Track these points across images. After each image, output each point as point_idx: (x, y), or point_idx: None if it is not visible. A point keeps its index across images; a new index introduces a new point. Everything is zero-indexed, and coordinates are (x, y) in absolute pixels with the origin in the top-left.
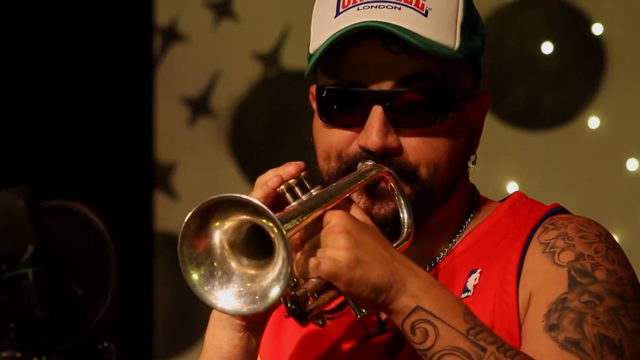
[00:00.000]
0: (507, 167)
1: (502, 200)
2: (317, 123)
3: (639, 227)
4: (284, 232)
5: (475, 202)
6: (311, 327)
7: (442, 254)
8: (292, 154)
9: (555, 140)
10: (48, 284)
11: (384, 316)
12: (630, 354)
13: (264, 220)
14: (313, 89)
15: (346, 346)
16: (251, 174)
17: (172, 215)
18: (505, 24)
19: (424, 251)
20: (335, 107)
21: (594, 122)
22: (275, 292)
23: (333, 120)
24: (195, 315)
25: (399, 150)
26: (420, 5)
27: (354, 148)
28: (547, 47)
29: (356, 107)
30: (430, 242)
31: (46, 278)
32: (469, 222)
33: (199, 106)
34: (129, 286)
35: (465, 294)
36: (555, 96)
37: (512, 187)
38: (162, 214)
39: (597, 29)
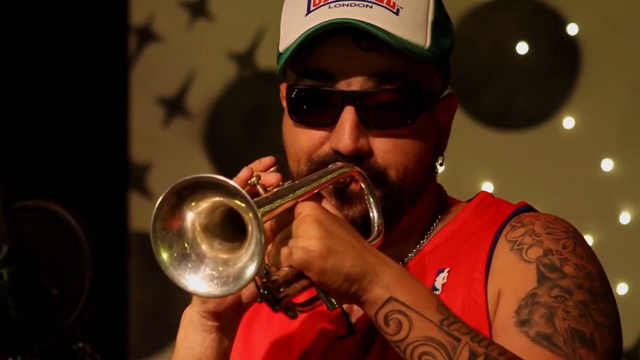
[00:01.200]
0: (482, 168)
1: (469, 201)
2: (287, 123)
3: (613, 228)
4: (257, 212)
5: (442, 202)
6: (280, 329)
7: (410, 255)
8: (268, 154)
9: (530, 141)
10: (23, 284)
11: (353, 318)
12: (601, 347)
13: (238, 202)
14: (283, 87)
15: (315, 348)
16: (226, 174)
17: (147, 215)
18: (479, 24)
19: (393, 253)
20: (305, 107)
21: (568, 122)
22: (249, 271)
23: (303, 120)
24: (171, 315)
25: (370, 152)
26: (391, 4)
27: (325, 149)
28: (522, 48)
29: (327, 107)
30: (399, 245)
31: (21, 278)
32: (436, 223)
33: (174, 106)
34: (104, 286)
35: (435, 293)
36: (530, 96)
37: (487, 187)
38: (137, 214)
39: (572, 29)
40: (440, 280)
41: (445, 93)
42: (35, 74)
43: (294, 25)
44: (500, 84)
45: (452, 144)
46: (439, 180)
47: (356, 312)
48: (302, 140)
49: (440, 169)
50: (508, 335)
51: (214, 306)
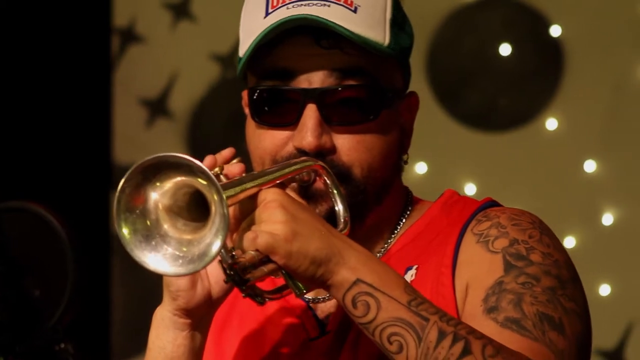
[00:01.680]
0: (464, 169)
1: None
2: (250, 127)
3: (596, 229)
4: (220, 187)
5: (408, 202)
6: (252, 332)
7: (378, 254)
8: (250, 156)
9: (513, 142)
10: (5, 285)
11: (325, 319)
12: (570, 332)
13: (201, 180)
14: (245, 94)
15: (287, 350)
16: None
17: None
18: (463, 25)
19: None
20: (267, 107)
21: (551, 123)
22: (215, 247)
23: (266, 121)
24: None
25: (333, 149)
26: (349, 3)
27: (288, 149)
28: (505, 49)
29: (289, 106)
30: (366, 244)
31: (3, 279)
32: (403, 222)
33: (157, 107)
34: (87, 287)
35: None
36: (513, 98)
37: (469, 188)
38: None
39: (556, 30)
40: (408, 277)
41: (407, 92)
42: (18, 75)
43: (252, 28)
44: (483, 85)
45: (435, 145)
46: (421, 180)
47: (327, 313)
48: (265, 141)
49: (423, 170)
50: (477, 323)
51: (184, 303)
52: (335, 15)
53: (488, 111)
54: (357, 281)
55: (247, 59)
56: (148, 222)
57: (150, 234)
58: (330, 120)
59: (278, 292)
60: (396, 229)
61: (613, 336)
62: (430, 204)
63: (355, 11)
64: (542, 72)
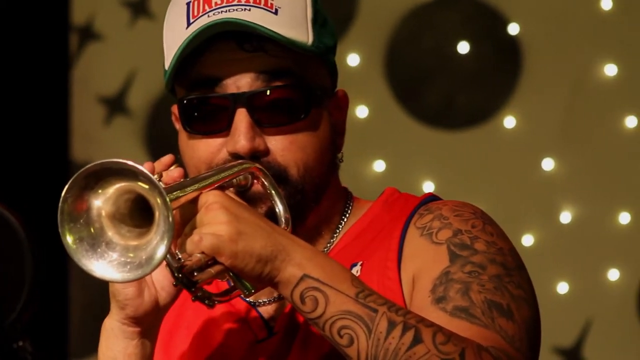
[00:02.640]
0: (422, 167)
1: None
2: (183, 139)
3: (554, 227)
4: (162, 189)
5: (348, 201)
6: (201, 337)
7: None
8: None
9: (471, 140)
10: None
11: (272, 321)
12: (519, 317)
13: (142, 184)
14: (175, 109)
15: (235, 353)
16: None
17: None
18: (421, 24)
19: None
20: (198, 116)
21: (509, 121)
22: (161, 250)
23: (198, 130)
24: None
25: (267, 152)
26: (269, 5)
27: (222, 155)
28: (463, 47)
29: (220, 113)
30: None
31: None
32: (345, 222)
33: (115, 105)
34: (45, 285)
35: None
36: (472, 96)
37: (427, 186)
38: None
39: (513, 29)
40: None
41: (336, 90)
42: None
43: (175, 40)
44: (441, 83)
45: (393, 143)
46: (379, 178)
47: (274, 315)
48: (199, 151)
49: (381, 168)
50: (426, 314)
51: (133, 311)
52: (257, 18)
53: (446, 109)
54: (304, 277)
55: (172, 71)
56: (92, 230)
57: (96, 242)
58: (261, 123)
59: (226, 294)
60: (338, 228)
61: (571, 334)
62: (370, 202)
63: (276, 13)
64: (500, 70)
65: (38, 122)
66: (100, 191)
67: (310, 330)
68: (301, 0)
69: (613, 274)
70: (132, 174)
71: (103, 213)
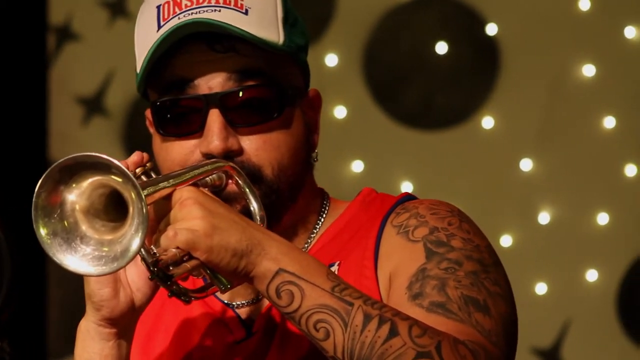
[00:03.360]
0: (401, 167)
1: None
2: (156, 143)
3: (532, 227)
4: (136, 182)
5: (325, 202)
6: (179, 339)
7: None
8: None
9: (449, 140)
10: None
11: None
12: (496, 313)
13: (117, 179)
14: (148, 113)
15: (214, 354)
16: None
17: None
18: (399, 24)
19: None
20: (171, 118)
21: (488, 122)
22: (136, 243)
23: (171, 132)
24: None
25: (241, 151)
26: (239, 5)
27: (196, 156)
28: (441, 47)
29: (192, 114)
30: None
31: None
32: (322, 223)
33: (93, 105)
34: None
35: None
36: (450, 96)
37: (406, 187)
38: None
39: (491, 29)
40: None
41: (308, 90)
42: None
43: (146, 43)
44: (419, 83)
45: (371, 143)
46: (358, 179)
47: (252, 315)
48: (173, 153)
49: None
50: (403, 310)
51: (108, 312)
52: (227, 18)
53: (425, 109)
54: (280, 271)
55: (144, 75)
56: (66, 225)
57: (70, 236)
58: (234, 123)
59: (203, 290)
60: (315, 228)
61: (549, 335)
62: (347, 203)
63: (246, 13)
64: (478, 71)
65: (16, 122)
66: (74, 185)
67: (288, 330)
68: (271, 1)
69: (592, 275)
70: (106, 168)
71: (77, 207)
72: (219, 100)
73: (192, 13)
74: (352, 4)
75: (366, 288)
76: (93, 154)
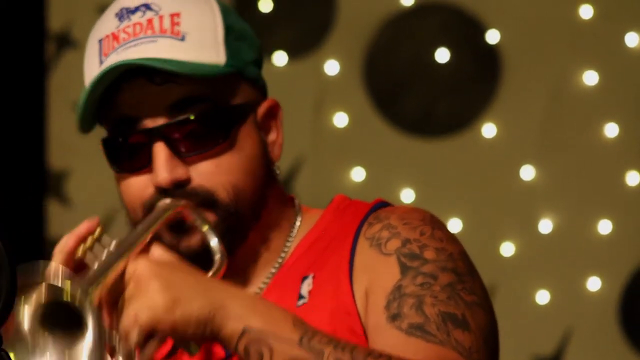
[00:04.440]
0: (402, 175)
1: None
2: (116, 178)
3: (533, 236)
4: (85, 296)
5: (297, 212)
6: None
7: (273, 270)
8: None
9: (450, 148)
10: None
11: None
12: (475, 326)
13: (62, 287)
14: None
15: None
16: None
17: (64, 223)
18: (399, 31)
19: (252, 273)
20: (122, 155)
21: (489, 129)
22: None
23: (124, 168)
24: None
25: (190, 180)
26: (176, 32)
27: (149, 191)
28: (442, 55)
29: (140, 149)
30: (257, 262)
31: None
32: (295, 233)
33: None
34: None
35: (302, 301)
36: (451, 104)
37: (407, 194)
38: (54, 221)
39: (493, 36)
40: (306, 287)
41: (263, 100)
42: None
43: (89, 78)
44: (420, 91)
45: (372, 151)
46: (358, 187)
47: None
48: (131, 188)
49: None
50: (382, 333)
51: None
52: (163, 50)
53: (425, 117)
54: (245, 330)
55: (83, 112)
56: (28, 345)
57: (33, 353)
58: (181, 153)
59: (172, 354)
60: (288, 241)
61: (551, 343)
62: (320, 211)
63: (183, 39)
64: (479, 78)
65: (14, 129)
66: (25, 305)
67: None
68: (210, 22)
69: (593, 283)
70: (50, 286)
71: (34, 325)
72: (162, 132)
73: (129, 47)
74: (353, 11)
75: (342, 303)
76: (37, 279)
